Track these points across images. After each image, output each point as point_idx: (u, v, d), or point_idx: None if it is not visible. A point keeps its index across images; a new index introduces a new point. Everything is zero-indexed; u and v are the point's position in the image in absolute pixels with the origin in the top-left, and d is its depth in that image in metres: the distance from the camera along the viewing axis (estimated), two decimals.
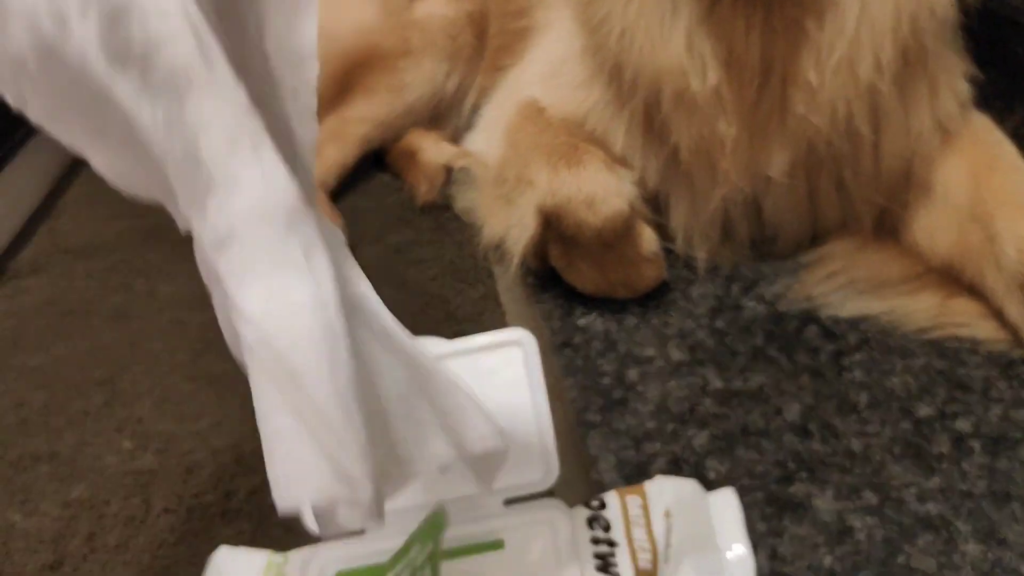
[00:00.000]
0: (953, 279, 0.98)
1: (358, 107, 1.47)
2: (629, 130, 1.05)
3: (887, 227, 1.04)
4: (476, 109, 1.47)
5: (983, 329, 0.93)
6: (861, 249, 1.03)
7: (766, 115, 0.95)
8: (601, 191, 0.97)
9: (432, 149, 1.42)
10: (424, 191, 1.35)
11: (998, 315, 0.93)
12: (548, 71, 1.13)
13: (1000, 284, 0.91)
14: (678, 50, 0.92)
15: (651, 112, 1.00)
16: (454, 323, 1.08)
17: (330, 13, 1.55)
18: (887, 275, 0.99)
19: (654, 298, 1.08)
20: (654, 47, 0.94)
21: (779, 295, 1.05)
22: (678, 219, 1.08)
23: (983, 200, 0.95)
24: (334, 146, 1.45)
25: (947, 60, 0.98)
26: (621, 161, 1.05)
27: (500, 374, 0.64)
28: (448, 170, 1.34)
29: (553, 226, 1.00)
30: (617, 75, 1.02)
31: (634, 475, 0.83)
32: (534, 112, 1.11)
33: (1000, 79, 1.05)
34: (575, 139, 1.03)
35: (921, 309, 0.97)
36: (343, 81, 1.51)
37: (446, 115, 1.51)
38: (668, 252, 1.09)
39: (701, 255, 1.08)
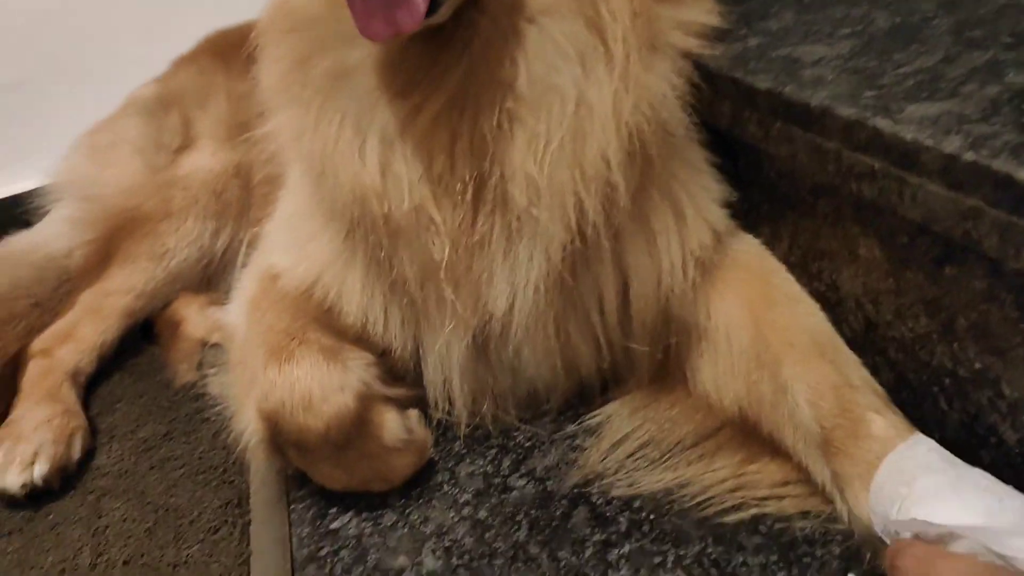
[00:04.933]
0: (750, 431, 0.87)
1: (118, 278, 1.33)
2: (366, 280, 0.92)
3: (675, 376, 0.93)
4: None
5: (786, 504, 0.82)
6: (648, 406, 0.92)
7: (485, 233, 0.83)
8: (319, 389, 0.83)
9: (195, 319, 1.28)
10: (183, 370, 1.21)
11: (799, 471, 0.82)
12: (283, 228, 1.01)
13: (799, 443, 0.81)
14: (372, 174, 0.81)
15: (376, 250, 0.88)
16: (182, 545, 0.93)
17: (95, 171, 1.44)
18: (678, 435, 0.88)
19: (419, 483, 0.94)
20: (355, 176, 0.82)
21: (551, 469, 0.92)
22: (430, 375, 0.94)
23: (767, 342, 0.85)
24: (92, 324, 1.30)
25: (693, 185, 0.88)
26: (356, 334, 0.92)
27: None
28: (204, 346, 1.20)
29: (276, 430, 0.86)
30: (340, 216, 0.89)
31: None
32: (269, 283, 0.98)
33: (764, 204, 0.96)
34: (298, 322, 0.90)
35: (717, 480, 0.85)
36: (105, 248, 1.37)
37: (219, 275, 1.37)
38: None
39: (462, 418, 0.95)
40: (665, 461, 0.88)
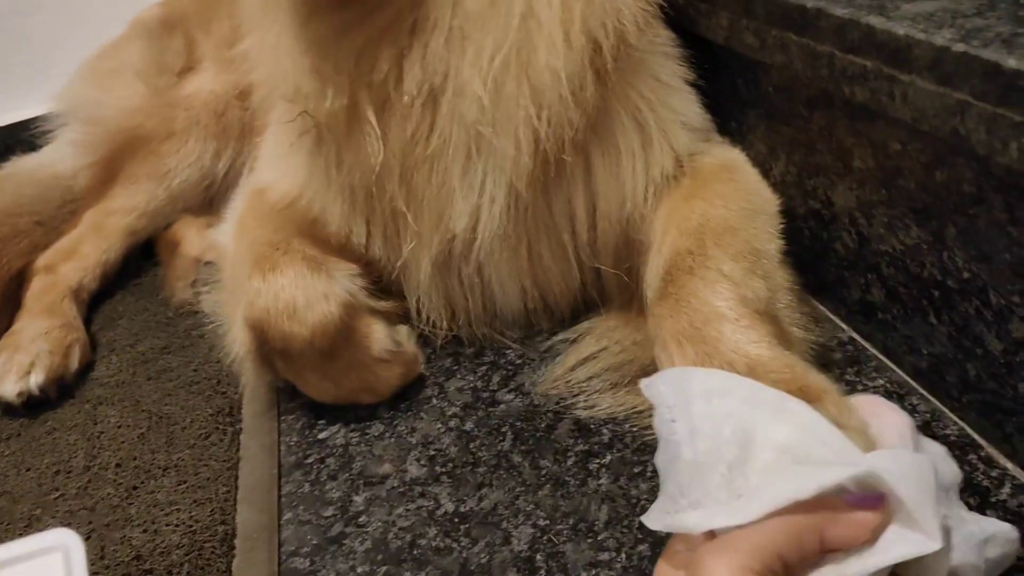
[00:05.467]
0: None
1: (120, 197, 1.33)
2: (343, 191, 0.91)
3: (642, 300, 0.91)
4: None
5: None
6: (617, 328, 0.90)
7: (440, 147, 0.81)
8: (303, 297, 0.83)
9: (192, 239, 1.28)
10: (179, 288, 1.21)
11: None
12: (270, 144, 1.01)
13: None
14: (304, 76, 0.81)
15: (329, 155, 0.87)
16: (173, 450, 0.94)
17: (98, 95, 1.44)
18: (643, 361, 0.85)
19: (408, 397, 0.95)
20: (294, 83, 0.83)
21: (539, 383, 0.92)
22: (411, 290, 0.93)
23: (666, 232, 0.81)
24: (95, 243, 1.30)
25: (661, 107, 0.84)
26: (341, 244, 0.92)
27: None
28: (199, 265, 1.21)
29: (262, 339, 0.86)
30: (299, 125, 0.88)
31: None
32: (256, 198, 0.98)
33: (760, 123, 0.94)
34: (282, 234, 0.89)
35: None
36: (108, 169, 1.37)
37: (220, 197, 1.37)
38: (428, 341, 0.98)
39: (439, 332, 0.95)
40: (627, 385, 0.86)
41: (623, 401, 0.84)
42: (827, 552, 0.50)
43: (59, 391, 1.08)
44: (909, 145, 0.70)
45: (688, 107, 0.86)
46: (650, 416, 0.82)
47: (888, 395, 0.79)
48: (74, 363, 1.10)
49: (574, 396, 0.87)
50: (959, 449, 0.72)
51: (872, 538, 0.49)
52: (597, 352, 0.88)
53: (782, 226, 0.82)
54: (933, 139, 0.66)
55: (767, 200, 0.85)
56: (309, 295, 0.83)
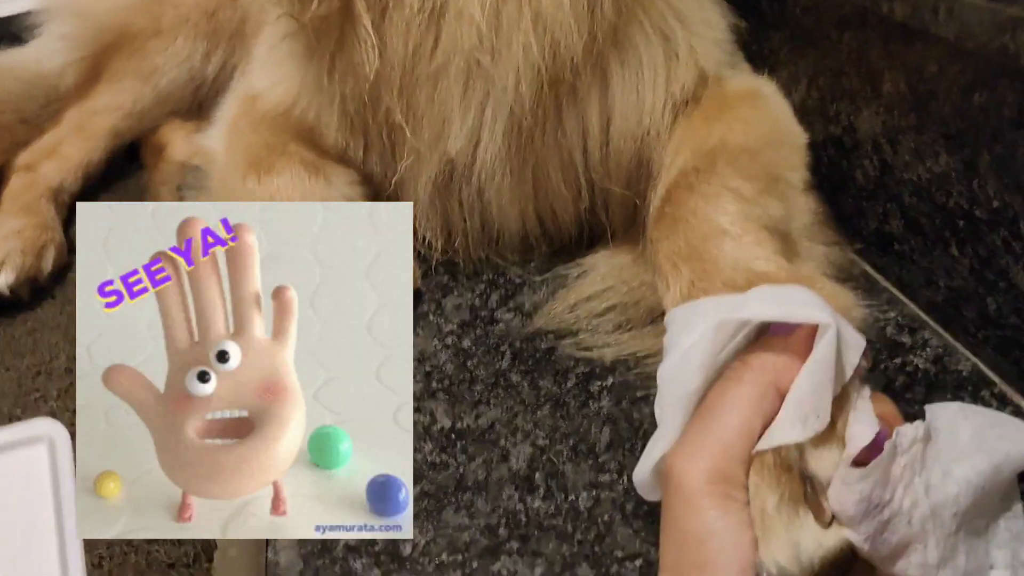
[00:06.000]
0: None
1: (105, 96, 1.27)
2: (333, 99, 0.86)
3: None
4: None
5: None
6: (628, 266, 0.86)
7: (442, 65, 0.77)
8: (300, 201, 0.80)
9: (179, 144, 1.23)
10: (163, 192, 1.17)
11: None
12: (263, 49, 0.96)
13: None
14: None
15: (320, 63, 0.82)
16: None
17: None
18: (650, 303, 0.81)
19: None
20: None
21: (540, 304, 0.89)
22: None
23: (679, 153, 0.78)
24: (76, 143, 1.25)
25: (692, 18, 0.80)
26: (339, 154, 0.88)
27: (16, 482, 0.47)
28: (185, 169, 1.16)
29: None
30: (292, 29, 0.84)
31: (317, 554, 0.67)
32: (248, 104, 0.93)
33: (784, 46, 0.90)
34: (280, 137, 0.85)
35: None
36: (95, 67, 1.31)
37: (210, 101, 1.31)
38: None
39: (435, 251, 0.91)
40: (631, 329, 0.82)
41: (627, 344, 0.81)
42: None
43: (32, 292, 1.04)
44: (948, 66, 0.67)
45: (717, 19, 0.82)
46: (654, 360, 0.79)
47: (899, 329, 0.78)
48: (48, 264, 1.06)
49: (575, 333, 0.84)
50: (971, 385, 0.70)
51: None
52: (601, 291, 0.84)
53: (808, 160, 0.79)
54: (975, 59, 0.63)
55: (794, 132, 0.81)
56: (306, 199, 0.80)
